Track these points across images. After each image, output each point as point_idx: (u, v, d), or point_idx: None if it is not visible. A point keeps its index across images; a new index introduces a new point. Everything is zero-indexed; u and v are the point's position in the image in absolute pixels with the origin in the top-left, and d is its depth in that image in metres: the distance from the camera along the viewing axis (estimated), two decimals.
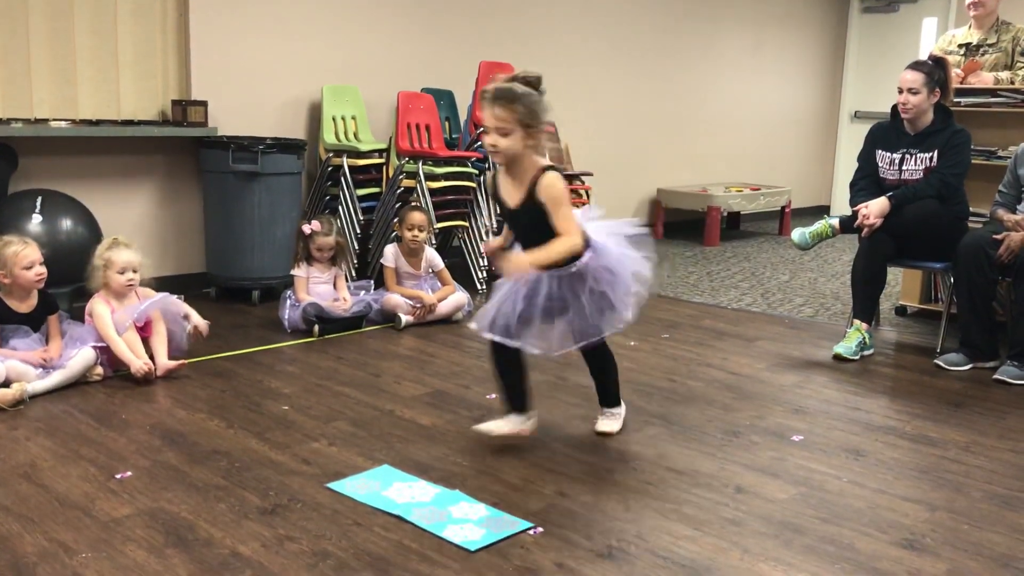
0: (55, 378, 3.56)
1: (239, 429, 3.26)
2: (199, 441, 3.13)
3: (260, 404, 3.54)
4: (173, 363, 3.81)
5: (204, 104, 5.18)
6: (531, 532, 2.54)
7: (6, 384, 3.41)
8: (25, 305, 3.70)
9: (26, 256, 3.64)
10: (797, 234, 4.63)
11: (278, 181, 5.14)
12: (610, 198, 7.76)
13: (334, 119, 5.76)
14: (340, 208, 5.56)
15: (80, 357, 3.64)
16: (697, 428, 3.44)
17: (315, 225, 4.69)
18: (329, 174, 5.66)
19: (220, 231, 5.17)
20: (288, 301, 4.64)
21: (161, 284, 4.15)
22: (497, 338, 3.04)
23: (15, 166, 4.64)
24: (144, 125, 5.15)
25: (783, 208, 8.89)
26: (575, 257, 2.93)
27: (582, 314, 2.99)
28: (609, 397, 3.39)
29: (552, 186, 2.90)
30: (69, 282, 4.17)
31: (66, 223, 4.46)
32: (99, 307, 3.80)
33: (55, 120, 4.85)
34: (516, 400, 3.18)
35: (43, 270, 3.69)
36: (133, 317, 3.83)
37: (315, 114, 5.83)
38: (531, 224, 2.96)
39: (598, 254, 2.99)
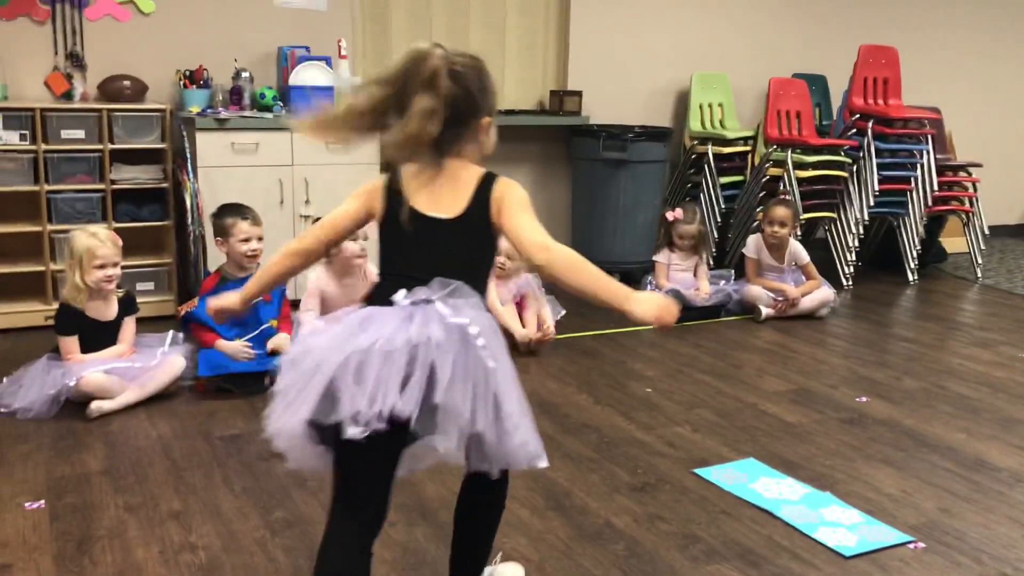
0: None
1: (606, 406, 3.41)
2: (570, 413, 3.31)
3: (624, 384, 3.67)
4: (551, 330, 4.04)
5: (579, 94, 5.43)
6: (911, 546, 2.40)
7: None
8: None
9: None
10: None
11: (644, 168, 5.26)
12: (998, 191, 7.03)
13: (701, 106, 5.76)
14: (702, 196, 5.56)
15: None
16: None
17: (678, 213, 4.73)
18: (693, 161, 5.68)
19: (586, 215, 5.40)
20: (649, 287, 4.73)
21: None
22: None
23: None
24: (524, 114, 5.50)
25: None
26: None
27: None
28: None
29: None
30: None
31: None
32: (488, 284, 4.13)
33: None
34: None
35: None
36: (513, 292, 4.13)
37: (683, 102, 5.87)
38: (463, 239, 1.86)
39: None
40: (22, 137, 4.03)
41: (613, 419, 3.27)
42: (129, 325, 3.41)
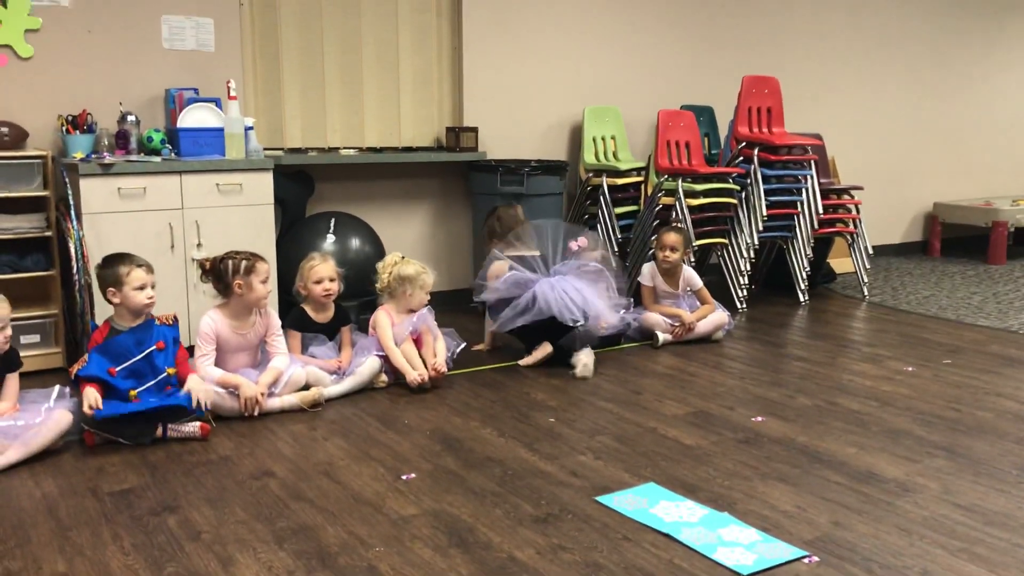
0: (347, 384, 3.89)
1: (510, 438, 3.41)
2: (474, 448, 3.31)
3: (528, 415, 3.68)
4: (442, 366, 4.04)
5: (475, 130, 5.48)
6: (806, 561, 2.46)
7: (307, 387, 3.77)
8: (323, 316, 4.08)
9: (317, 272, 4.01)
10: None
11: (541, 201, 5.33)
12: (880, 213, 7.38)
13: (594, 139, 5.88)
14: (599, 227, 5.66)
15: (367, 365, 3.96)
16: (987, 462, 3.18)
17: (582, 242, 4.80)
18: (588, 193, 5.78)
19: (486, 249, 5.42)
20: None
21: (433, 299, 4.42)
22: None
23: (312, 191, 5.13)
24: (421, 151, 5.52)
25: None
26: None
27: None
28: None
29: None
30: (357, 296, 4.55)
31: (355, 241, 4.87)
32: (382, 319, 4.11)
33: (345, 148, 5.31)
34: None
35: (332, 286, 4.04)
36: (408, 330, 4.11)
37: (576, 135, 5.99)
38: None
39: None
40: None
41: (517, 451, 3.28)
42: (12, 382, 3.27)
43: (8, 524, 2.67)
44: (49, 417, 3.19)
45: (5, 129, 4.21)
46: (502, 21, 5.67)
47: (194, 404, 3.38)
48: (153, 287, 3.50)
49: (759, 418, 3.65)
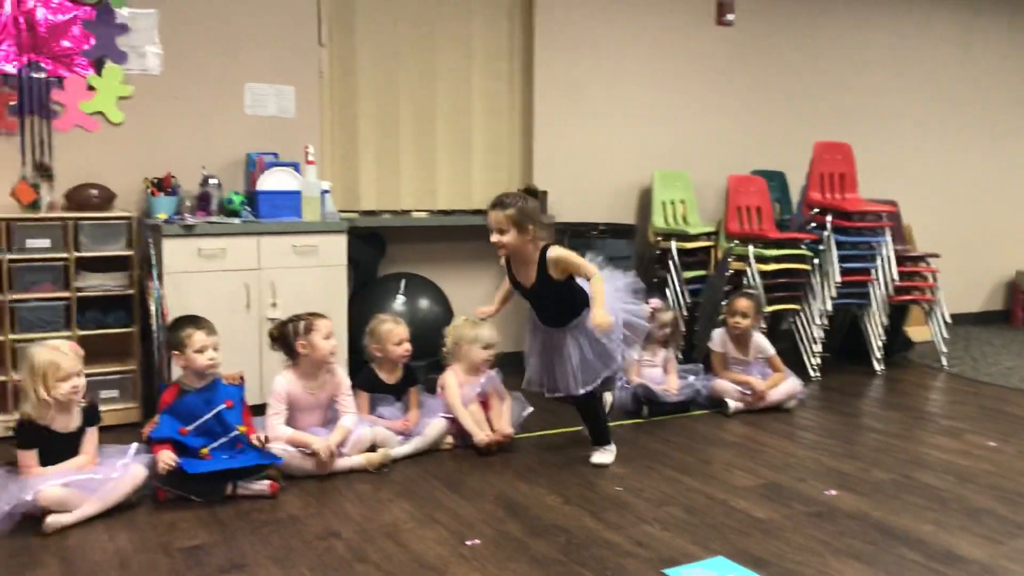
0: (413, 444, 3.91)
1: (575, 506, 3.37)
2: (539, 514, 3.28)
3: (594, 482, 3.64)
4: (509, 430, 4.04)
5: (544, 193, 5.53)
6: None
7: (373, 448, 3.79)
8: (392, 377, 4.12)
9: (397, 334, 4.07)
10: None
11: (610, 265, 5.31)
12: (959, 280, 7.18)
13: (664, 203, 5.89)
14: (667, 291, 5.63)
15: (434, 426, 3.98)
16: None
17: (655, 303, 4.79)
18: (657, 257, 5.77)
19: None
20: (619, 382, 4.74)
21: (502, 361, 4.43)
22: (583, 390, 3.76)
23: (384, 252, 5.23)
24: None
25: None
26: (576, 314, 3.73)
27: (584, 360, 3.73)
28: (601, 438, 3.94)
29: (558, 255, 3.68)
30: (425, 356, 4.58)
31: (424, 302, 4.93)
32: (450, 380, 4.14)
33: (417, 211, 5.41)
34: (607, 432, 3.95)
35: (409, 347, 4.09)
36: (476, 391, 4.13)
37: (645, 198, 6.01)
38: (549, 295, 3.75)
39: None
40: None
41: (582, 519, 3.24)
42: (91, 436, 3.36)
43: None
44: (126, 472, 3.27)
45: (95, 191, 4.40)
46: (572, 86, 5.76)
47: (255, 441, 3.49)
48: (216, 348, 3.58)
49: (832, 491, 3.55)
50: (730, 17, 6.23)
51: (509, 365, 4.46)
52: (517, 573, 2.78)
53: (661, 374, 4.79)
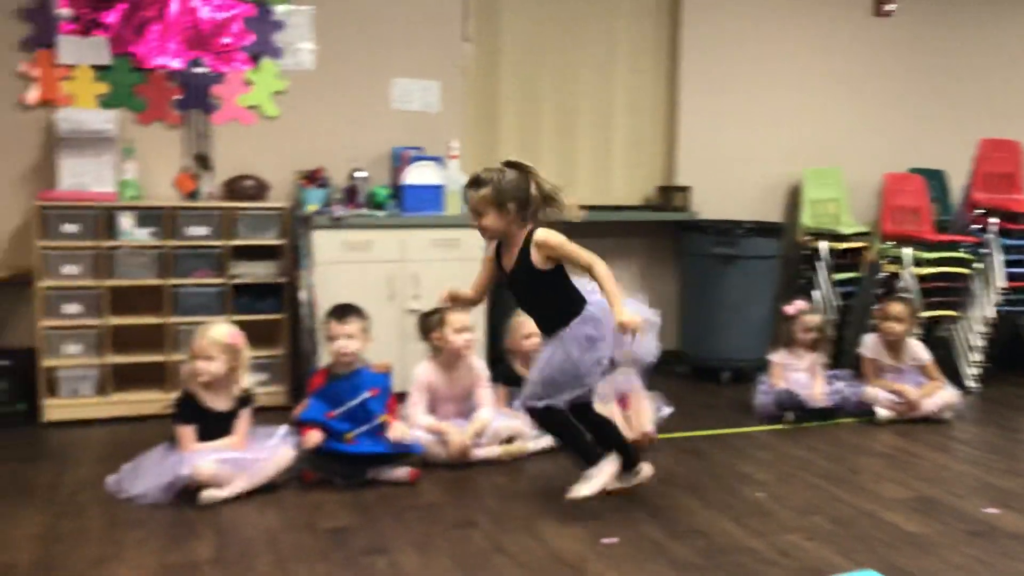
0: (550, 440, 3.86)
1: (715, 510, 3.28)
2: (678, 517, 3.21)
3: (735, 487, 3.54)
4: (651, 430, 3.96)
5: (687, 190, 5.43)
6: None
7: (510, 440, 3.80)
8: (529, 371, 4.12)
9: (525, 326, 4.04)
10: None
11: (755, 264, 5.18)
12: None
13: (814, 202, 5.68)
14: (816, 293, 5.42)
15: None
16: None
17: (801, 304, 4.63)
18: (806, 258, 5.56)
19: (695, 311, 5.34)
20: (762, 386, 4.60)
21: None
22: (537, 403, 3.20)
23: None
24: (631, 210, 5.53)
25: None
26: (566, 321, 3.15)
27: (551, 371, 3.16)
28: (587, 459, 3.31)
29: (546, 237, 3.10)
30: None
31: None
32: None
33: None
34: (590, 451, 3.31)
35: (538, 340, 4.05)
36: (615, 390, 4.06)
37: (794, 197, 5.80)
38: (528, 285, 3.19)
39: (583, 321, 3.13)
40: (152, 234, 4.28)
41: (722, 524, 3.15)
42: (244, 417, 3.50)
43: (235, 551, 2.84)
44: (274, 452, 3.39)
45: (250, 182, 4.59)
46: (719, 80, 5.62)
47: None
48: (350, 337, 3.62)
49: (993, 509, 3.32)
50: (890, 7, 5.94)
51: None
52: (655, 574, 2.73)
53: (807, 379, 4.60)
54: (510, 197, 3.09)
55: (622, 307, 3.02)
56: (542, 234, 3.10)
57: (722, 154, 5.66)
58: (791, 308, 4.66)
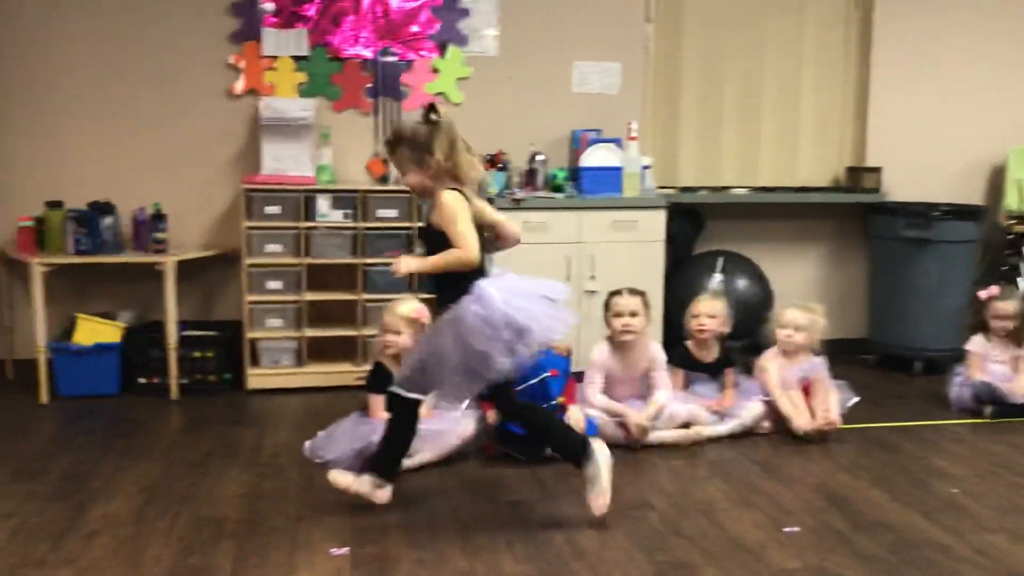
0: (729, 426, 3.85)
1: (904, 504, 3.15)
2: (863, 509, 3.10)
3: (925, 482, 3.38)
4: (835, 417, 3.84)
5: (878, 170, 5.18)
6: None
7: (686, 425, 3.78)
8: (707, 355, 4.08)
9: (695, 306, 4.03)
10: None
11: (951, 249, 4.89)
12: None
13: (1020, 183, 5.28)
14: (1021, 281, 5.06)
15: (751, 409, 3.88)
16: None
17: (993, 290, 4.34)
18: (1009, 242, 5.20)
19: (884, 298, 5.10)
20: (957, 378, 4.35)
21: (826, 348, 4.21)
22: (403, 392, 2.95)
23: (701, 229, 5.17)
24: (817, 191, 5.34)
25: None
26: (455, 298, 2.82)
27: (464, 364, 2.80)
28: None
29: (443, 206, 2.87)
30: (743, 337, 4.48)
31: (742, 282, 4.82)
32: (769, 364, 4.02)
33: (736, 187, 5.28)
34: (392, 466, 3.05)
35: (708, 323, 4.02)
36: (798, 376, 3.97)
37: (996, 178, 5.42)
38: (427, 246, 2.99)
39: (482, 305, 2.77)
40: (346, 216, 4.51)
41: (912, 519, 3.02)
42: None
43: (421, 519, 2.98)
44: (457, 425, 3.52)
45: None
46: (915, 54, 5.31)
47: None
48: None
49: None
50: None
51: (836, 354, 4.23)
52: (840, 565, 2.65)
53: (1009, 372, 4.31)
54: (423, 147, 2.88)
55: (415, 260, 2.94)
56: (446, 196, 2.86)
57: (917, 132, 5.36)
58: (984, 293, 4.38)
